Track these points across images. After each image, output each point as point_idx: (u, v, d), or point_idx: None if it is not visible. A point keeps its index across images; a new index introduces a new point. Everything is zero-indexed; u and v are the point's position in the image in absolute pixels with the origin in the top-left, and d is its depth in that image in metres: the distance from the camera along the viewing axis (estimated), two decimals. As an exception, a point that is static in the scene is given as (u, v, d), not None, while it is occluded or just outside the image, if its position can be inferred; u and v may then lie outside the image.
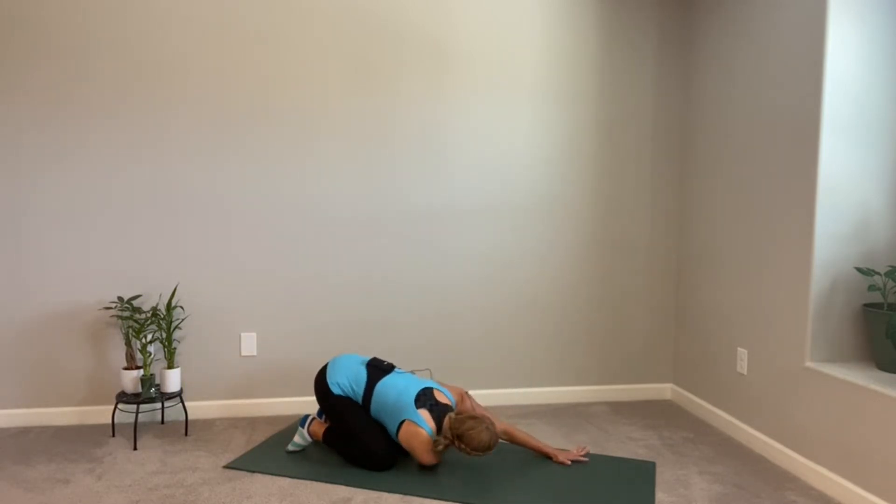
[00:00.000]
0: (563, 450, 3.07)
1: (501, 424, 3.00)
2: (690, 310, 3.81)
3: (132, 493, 2.65)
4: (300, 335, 3.61)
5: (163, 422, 3.47)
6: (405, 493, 2.67)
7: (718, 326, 3.54)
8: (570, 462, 2.97)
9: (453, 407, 2.98)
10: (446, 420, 2.82)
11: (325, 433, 3.03)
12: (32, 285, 3.35)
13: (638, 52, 3.79)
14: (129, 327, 3.23)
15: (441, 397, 2.96)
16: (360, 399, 2.98)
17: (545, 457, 3.03)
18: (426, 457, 2.83)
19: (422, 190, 3.64)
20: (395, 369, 3.08)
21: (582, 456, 3.02)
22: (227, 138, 3.45)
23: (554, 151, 3.75)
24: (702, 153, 3.68)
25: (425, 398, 2.90)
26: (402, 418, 2.85)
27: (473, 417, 2.77)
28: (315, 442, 3.14)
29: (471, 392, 3.79)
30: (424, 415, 2.85)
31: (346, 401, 2.96)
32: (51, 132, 3.30)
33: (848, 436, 2.67)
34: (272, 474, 2.84)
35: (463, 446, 2.74)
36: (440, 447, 2.78)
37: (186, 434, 3.30)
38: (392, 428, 2.89)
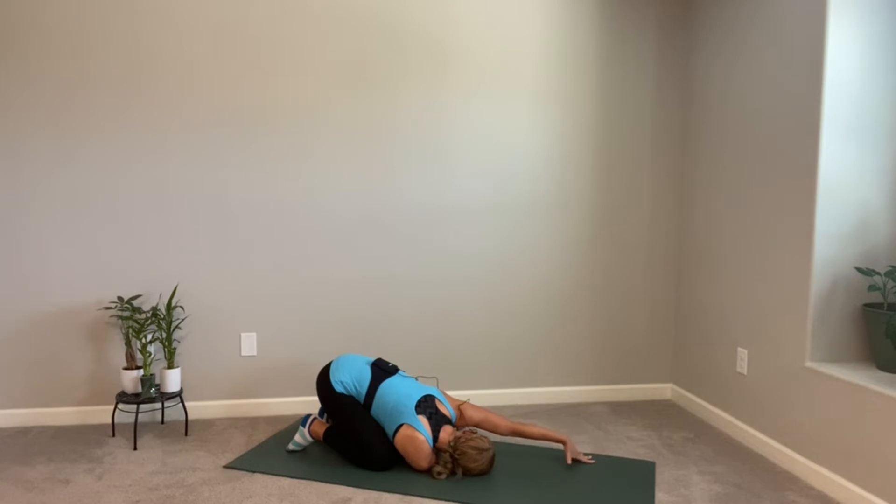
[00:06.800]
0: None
1: (508, 424, 3.00)
2: (690, 310, 3.81)
3: (132, 493, 2.65)
4: (300, 335, 3.61)
5: (163, 422, 3.47)
6: (405, 493, 2.67)
7: (718, 326, 3.53)
8: (570, 460, 2.96)
9: (453, 420, 2.98)
10: (448, 434, 2.85)
11: (326, 432, 3.03)
12: (32, 285, 3.35)
13: (638, 51, 3.79)
14: (129, 327, 3.23)
15: (441, 408, 2.96)
16: (362, 398, 2.98)
17: (559, 443, 3.01)
18: (421, 462, 2.83)
19: (421, 189, 3.64)
20: (399, 372, 3.08)
21: (588, 460, 3.01)
22: (227, 138, 3.45)
23: (554, 150, 3.75)
24: (702, 153, 3.68)
25: (426, 405, 2.90)
26: (401, 422, 2.85)
27: (477, 448, 2.78)
28: (315, 442, 3.14)
29: (470, 392, 3.80)
30: (423, 421, 2.85)
31: (348, 399, 2.96)
32: (51, 132, 3.30)
33: (848, 436, 2.67)
34: (272, 474, 2.84)
35: (459, 467, 2.79)
36: (442, 476, 2.80)
37: (186, 434, 3.30)
38: (389, 430, 2.89)
